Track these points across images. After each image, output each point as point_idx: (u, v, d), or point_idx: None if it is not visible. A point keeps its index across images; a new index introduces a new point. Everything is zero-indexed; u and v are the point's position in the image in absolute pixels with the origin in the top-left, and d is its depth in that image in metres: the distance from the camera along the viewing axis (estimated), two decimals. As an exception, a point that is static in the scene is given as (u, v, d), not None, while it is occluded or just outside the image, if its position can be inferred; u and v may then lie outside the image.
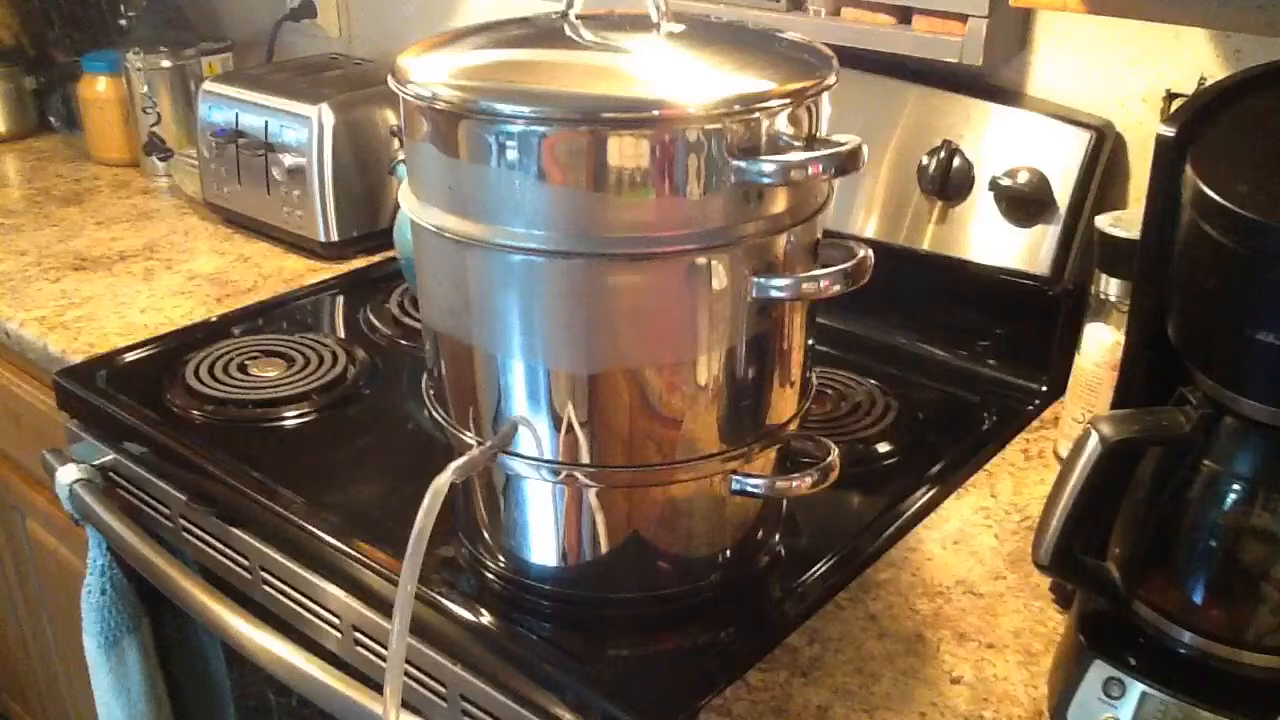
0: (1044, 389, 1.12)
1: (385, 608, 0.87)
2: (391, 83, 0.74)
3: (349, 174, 1.44)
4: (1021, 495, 0.98)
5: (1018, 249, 1.11)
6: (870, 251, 0.75)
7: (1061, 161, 1.08)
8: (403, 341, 1.24)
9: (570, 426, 0.76)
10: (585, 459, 0.77)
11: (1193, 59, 1.05)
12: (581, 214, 0.70)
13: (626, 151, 0.68)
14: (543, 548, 0.83)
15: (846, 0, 1.15)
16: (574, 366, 0.74)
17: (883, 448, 1.03)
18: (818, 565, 0.88)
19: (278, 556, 0.97)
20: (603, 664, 0.79)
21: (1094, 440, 0.67)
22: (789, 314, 0.78)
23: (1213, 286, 0.65)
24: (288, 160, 1.43)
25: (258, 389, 1.12)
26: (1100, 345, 0.98)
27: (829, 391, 1.10)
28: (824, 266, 0.75)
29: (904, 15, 1.12)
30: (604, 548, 0.82)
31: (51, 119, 1.98)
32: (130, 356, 1.21)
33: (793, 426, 0.83)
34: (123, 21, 1.80)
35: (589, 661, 0.79)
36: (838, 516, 0.94)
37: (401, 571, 0.72)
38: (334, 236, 1.44)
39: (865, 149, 0.71)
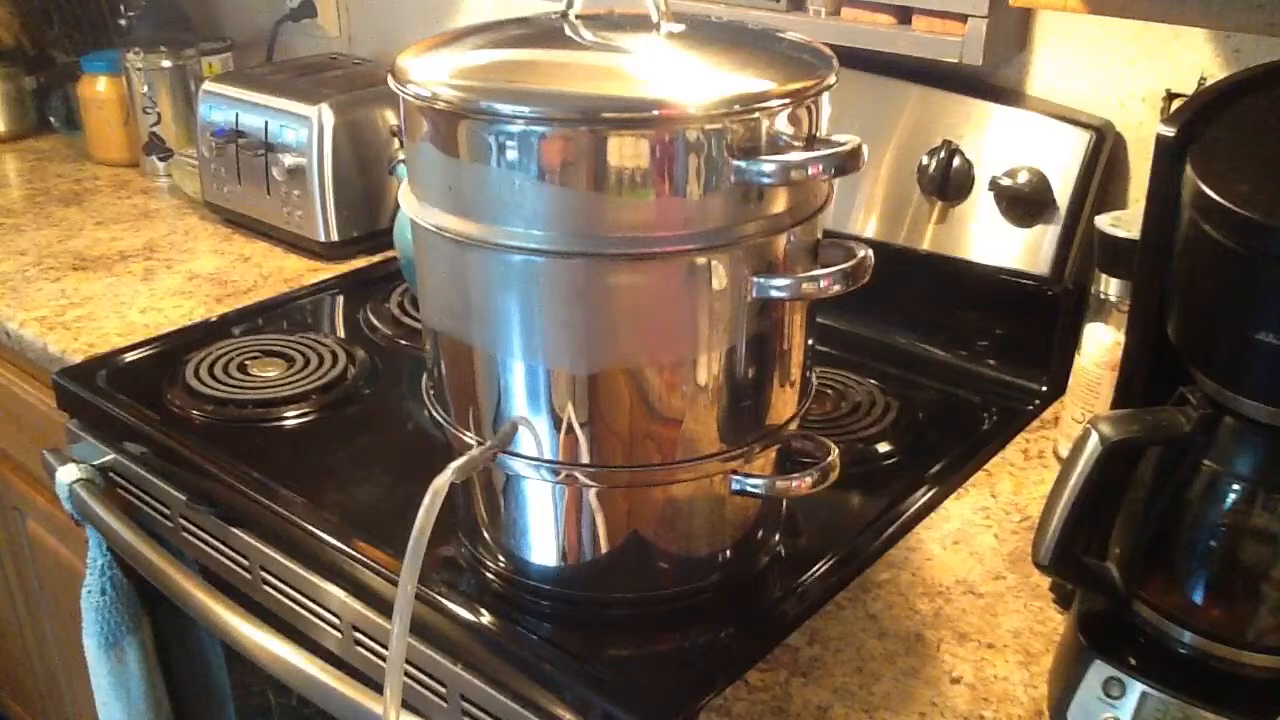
0: (1044, 389, 1.12)
1: (385, 608, 0.87)
2: (391, 83, 0.74)
3: (349, 174, 1.44)
4: (1021, 495, 0.98)
5: (1018, 249, 1.11)
6: (870, 251, 0.75)
7: (1061, 161, 1.08)
8: (403, 341, 1.24)
9: (570, 426, 0.76)
10: (585, 459, 0.77)
11: (1193, 59, 1.05)
12: (581, 214, 0.70)
13: (626, 151, 0.68)
14: (543, 548, 0.83)
15: (846, 0, 1.15)
16: (574, 366, 0.74)
17: (883, 448, 1.03)
18: (818, 565, 0.88)
19: (278, 556, 0.97)
20: (603, 664, 0.79)
21: (1094, 440, 0.67)
22: (789, 314, 0.78)
23: (1213, 286, 0.65)
24: (288, 160, 1.43)
25: (258, 389, 1.12)
26: (1100, 345, 0.98)
27: (829, 391, 1.10)
28: (824, 266, 0.75)
29: (904, 15, 1.12)
30: (604, 548, 0.82)
31: (51, 119, 1.98)
32: (130, 356, 1.21)
33: (793, 426, 0.83)
34: (123, 21, 1.80)
35: (589, 661, 0.79)
36: (838, 516, 0.94)
37: (401, 571, 0.72)
38: (334, 236, 1.44)
39: (865, 149, 0.71)
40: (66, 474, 1.13)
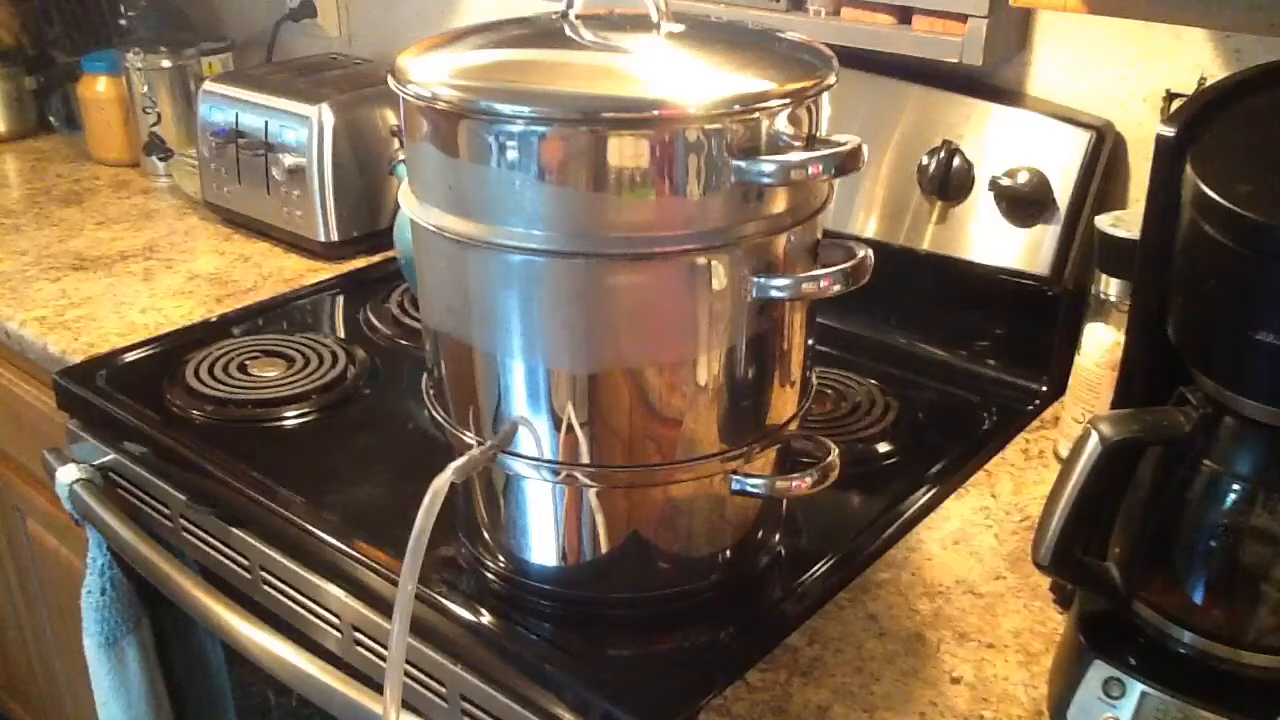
0: (1044, 389, 1.12)
1: (385, 608, 0.87)
2: (391, 83, 0.74)
3: (349, 174, 1.44)
4: (1021, 495, 0.98)
5: (1018, 249, 1.11)
6: (870, 252, 0.75)
7: (1061, 161, 1.08)
8: (403, 341, 1.24)
9: (570, 426, 0.76)
10: (585, 459, 0.77)
11: (1193, 59, 1.05)
12: (581, 214, 0.70)
13: (626, 151, 0.68)
14: (543, 548, 0.83)
15: (846, 0, 1.15)
16: (574, 366, 0.74)
17: (883, 448, 1.03)
18: (818, 565, 0.88)
19: (278, 556, 0.97)
20: (603, 664, 0.79)
21: (1094, 440, 0.67)
22: (789, 314, 0.78)
23: (1213, 286, 0.65)
24: (288, 160, 1.43)
25: (258, 389, 1.12)
26: (1100, 345, 0.98)
27: (829, 391, 1.10)
28: (824, 266, 0.75)
29: (904, 15, 1.12)
30: (604, 548, 0.82)
31: (51, 119, 1.98)
32: (130, 356, 1.21)
33: (793, 426, 0.83)
34: (123, 21, 1.80)
35: (589, 661, 0.79)
36: (838, 516, 0.94)
37: (401, 571, 0.72)
38: (334, 236, 1.44)
39: (865, 149, 0.71)
40: (66, 474, 1.13)
